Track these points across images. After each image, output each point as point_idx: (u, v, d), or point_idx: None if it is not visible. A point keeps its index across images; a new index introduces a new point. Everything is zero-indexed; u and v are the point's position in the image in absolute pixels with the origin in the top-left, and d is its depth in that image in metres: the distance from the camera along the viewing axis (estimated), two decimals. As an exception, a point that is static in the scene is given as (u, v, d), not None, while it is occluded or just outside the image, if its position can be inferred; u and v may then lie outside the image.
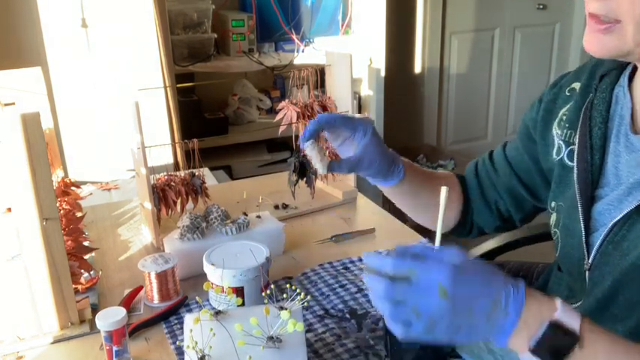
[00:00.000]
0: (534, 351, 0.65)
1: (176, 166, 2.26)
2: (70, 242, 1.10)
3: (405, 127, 3.65)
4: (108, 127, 2.26)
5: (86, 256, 1.15)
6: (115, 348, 0.91)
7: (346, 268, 1.22)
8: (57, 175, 1.34)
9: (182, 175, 1.35)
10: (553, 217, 0.98)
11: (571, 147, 0.93)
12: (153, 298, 1.11)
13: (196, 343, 0.81)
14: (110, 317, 0.91)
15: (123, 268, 1.25)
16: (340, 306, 1.09)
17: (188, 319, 0.87)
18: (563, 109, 0.96)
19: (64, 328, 1.03)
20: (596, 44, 0.79)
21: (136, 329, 1.02)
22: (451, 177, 1.14)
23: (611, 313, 0.84)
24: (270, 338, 0.83)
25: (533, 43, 3.85)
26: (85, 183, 1.96)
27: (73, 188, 1.37)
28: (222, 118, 2.93)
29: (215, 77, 2.81)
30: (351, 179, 1.57)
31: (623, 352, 0.67)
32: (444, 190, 0.77)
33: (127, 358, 0.93)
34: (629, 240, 0.81)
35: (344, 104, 1.50)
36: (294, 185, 1.46)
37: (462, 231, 1.15)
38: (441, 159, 3.59)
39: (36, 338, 1.01)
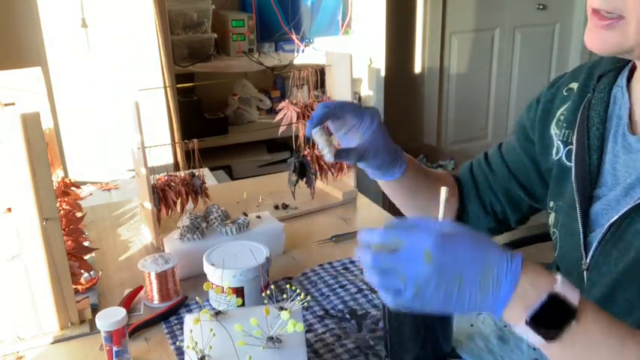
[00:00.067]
0: (530, 323, 0.64)
1: (176, 167, 2.25)
2: (70, 242, 1.10)
3: (405, 127, 3.65)
4: (108, 127, 2.26)
5: (86, 257, 1.15)
6: (115, 348, 0.91)
7: (346, 269, 1.22)
8: (57, 175, 1.34)
9: (182, 175, 1.35)
10: (552, 217, 0.98)
11: (569, 147, 0.93)
12: (153, 298, 1.11)
13: (196, 343, 0.81)
14: (110, 317, 0.91)
15: (123, 269, 1.25)
16: (340, 306, 1.09)
17: (188, 319, 0.87)
18: (561, 109, 0.97)
19: (64, 328, 1.03)
20: (597, 40, 0.79)
21: (136, 329, 1.02)
22: (448, 177, 1.14)
23: (610, 312, 0.84)
24: (270, 338, 0.83)
25: (533, 43, 3.85)
26: (85, 183, 1.96)
27: (73, 188, 1.37)
28: (222, 118, 2.93)
29: (215, 77, 2.81)
30: (351, 179, 1.57)
31: (621, 334, 0.65)
32: (443, 190, 0.77)
33: (127, 358, 0.93)
34: (626, 240, 0.81)
35: (344, 104, 1.50)
36: (294, 185, 1.47)
37: None
38: (441, 159, 3.59)
39: (36, 338, 1.01)
